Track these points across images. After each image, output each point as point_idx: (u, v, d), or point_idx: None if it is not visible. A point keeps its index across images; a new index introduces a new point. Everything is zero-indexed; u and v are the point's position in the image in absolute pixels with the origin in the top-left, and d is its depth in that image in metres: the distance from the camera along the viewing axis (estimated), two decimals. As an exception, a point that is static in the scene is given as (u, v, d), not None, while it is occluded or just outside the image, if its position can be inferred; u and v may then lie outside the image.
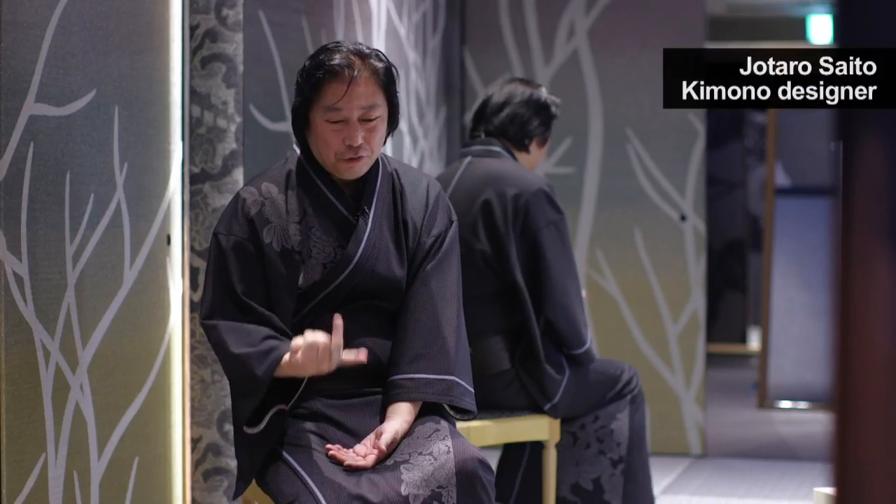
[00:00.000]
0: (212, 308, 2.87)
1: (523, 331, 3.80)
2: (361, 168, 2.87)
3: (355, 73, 2.82)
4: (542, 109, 3.95)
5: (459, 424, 3.48)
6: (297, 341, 2.71)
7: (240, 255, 2.85)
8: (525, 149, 3.95)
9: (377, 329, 2.92)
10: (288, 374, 2.77)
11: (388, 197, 2.94)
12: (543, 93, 3.98)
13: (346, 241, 2.89)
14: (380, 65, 2.86)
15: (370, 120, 2.84)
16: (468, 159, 3.92)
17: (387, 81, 2.87)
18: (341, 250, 2.88)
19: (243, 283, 2.84)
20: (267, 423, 2.81)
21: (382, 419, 2.85)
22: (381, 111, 2.87)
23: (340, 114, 2.83)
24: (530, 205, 3.78)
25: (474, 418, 3.00)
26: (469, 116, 4.09)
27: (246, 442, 2.83)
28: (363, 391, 2.90)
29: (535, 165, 4.03)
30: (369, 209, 2.90)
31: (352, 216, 2.90)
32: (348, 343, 2.89)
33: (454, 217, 3.01)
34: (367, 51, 2.87)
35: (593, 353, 3.91)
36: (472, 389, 2.92)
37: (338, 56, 2.84)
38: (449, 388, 2.86)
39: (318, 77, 2.83)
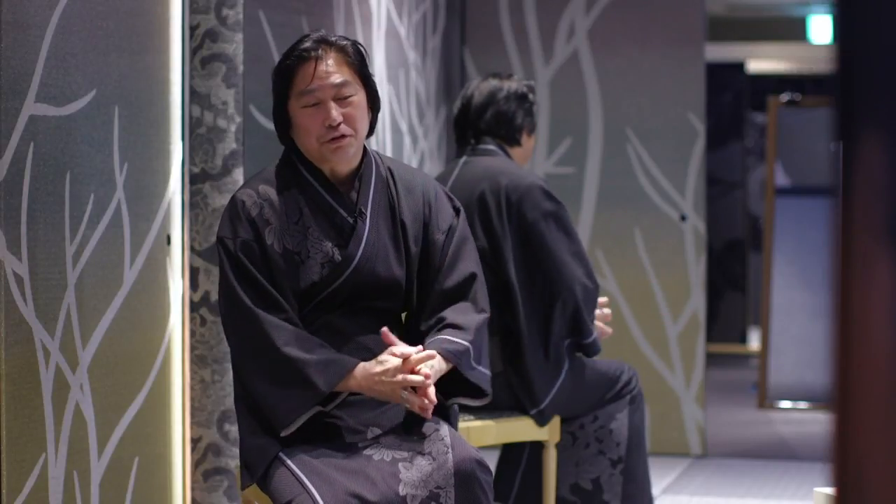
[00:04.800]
0: (240, 298, 2.81)
1: (515, 333, 3.80)
2: (348, 150, 2.86)
3: (320, 52, 2.85)
4: (522, 101, 3.95)
5: (460, 424, 3.48)
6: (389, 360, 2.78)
7: (250, 256, 2.83)
8: (517, 143, 3.96)
9: (376, 328, 2.92)
10: (346, 388, 2.79)
11: (384, 196, 2.94)
12: (517, 82, 3.97)
13: (343, 241, 2.89)
14: (345, 43, 2.89)
15: (344, 98, 2.85)
16: (464, 158, 3.94)
17: (356, 60, 2.89)
18: (338, 250, 2.88)
19: (266, 280, 2.83)
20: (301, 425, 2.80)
21: (383, 416, 2.85)
22: (355, 90, 2.87)
23: (314, 95, 2.84)
24: (524, 199, 3.78)
25: (488, 403, 3.01)
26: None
27: (254, 443, 2.81)
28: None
29: (529, 155, 4.04)
30: (366, 209, 2.90)
31: (349, 216, 2.90)
32: (348, 344, 2.89)
33: (458, 204, 3.02)
34: (334, 37, 2.90)
35: (599, 344, 3.92)
36: (484, 371, 2.92)
37: (305, 42, 2.88)
38: (461, 352, 2.86)
39: (287, 65, 2.87)
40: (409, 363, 2.76)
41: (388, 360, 2.78)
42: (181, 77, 3.78)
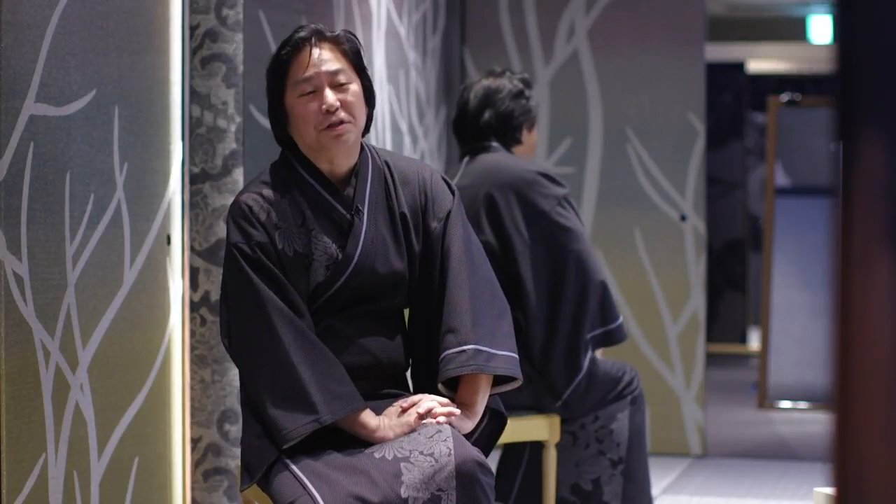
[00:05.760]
0: (264, 294, 2.78)
1: (524, 328, 3.80)
2: (348, 137, 2.84)
3: (313, 41, 2.85)
4: (518, 97, 3.96)
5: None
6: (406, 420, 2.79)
7: (269, 257, 2.80)
8: (518, 141, 3.97)
9: (377, 330, 2.91)
10: (351, 429, 2.79)
11: (381, 191, 2.92)
12: (510, 80, 3.97)
13: (343, 240, 2.87)
14: (339, 33, 2.89)
15: (341, 85, 2.84)
16: (466, 158, 3.95)
17: (351, 50, 2.88)
18: (341, 251, 2.87)
19: (289, 282, 2.81)
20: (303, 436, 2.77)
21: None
22: (352, 78, 2.86)
23: (311, 83, 2.83)
24: (533, 190, 3.80)
25: (522, 388, 2.98)
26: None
27: (256, 444, 2.80)
28: (365, 393, 2.88)
29: (532, 150, 4.05)
30: (363, 206, 2.89)
31: (347, 213, 2.89)
32: (349, 346, 2.88)
33: (454, 188, 3.00)
34: (327, 29, 2.90)
35: (625, 329, 3.94)
36: (505, 353, 2.87)
37: (298, 33, 2.87)
38: (470, 357, 2.83)
39: (282, 55, 2.86)
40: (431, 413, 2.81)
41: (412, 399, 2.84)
42: (181, 77, 3.78)
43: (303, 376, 2.74)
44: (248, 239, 2.80)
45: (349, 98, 2.84)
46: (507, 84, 3.95)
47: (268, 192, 2.85)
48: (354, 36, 2.93)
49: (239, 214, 2.83)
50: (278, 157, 2.93)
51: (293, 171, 2.89)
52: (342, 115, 2.83)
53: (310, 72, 2.83)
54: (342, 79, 2.85)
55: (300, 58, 2.84)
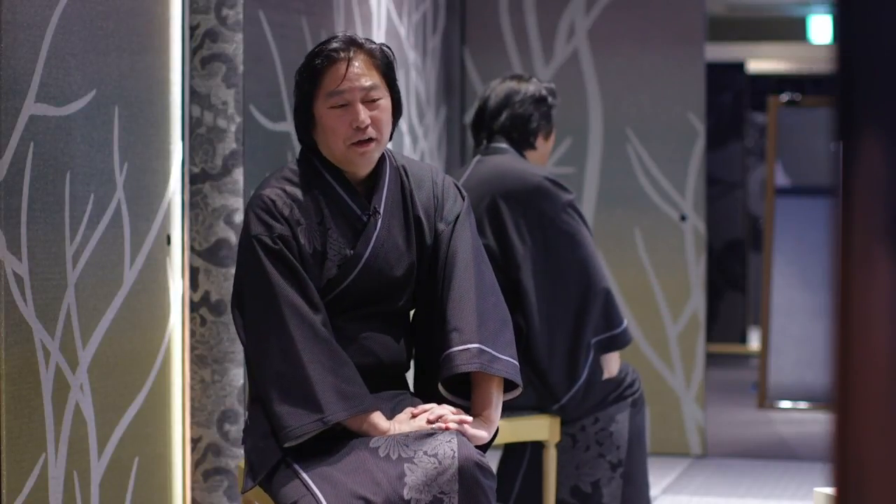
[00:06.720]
0: (282, 288, 2.77)
1: (524, 332, 3.80)
2: (373, 153, 2.86)
3: (351, 54, 2.84)
4: (540, 103, 3.94)
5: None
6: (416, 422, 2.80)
7: (291, 249, 2.80)
8: (532, 146, 3.96)
9: (383, 332, 2.91)
10: (359, 430, 2.78)
11: (397, 193, 2.94)
12: (536, 85, 3.96)
13: (357, 240, 2.88)
14: (374, 46, 2.89)
15: (373, 101, 2.84)
16: (477, 157, 3.94)
17: (384, 64, 2.88)
18: (353, 250, 2.88)
19: (308, 276, 2.81)
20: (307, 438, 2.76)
21: (392, 412, 2.85)
22: (383, 94, 2.87)
23: (343, 97, 2.83)
24: (539, 196, 3.79)
25: (521, 393, 2.96)
26: (469, 121, 4.08)
27: (261, 445, 2.80)
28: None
29: (545, 159, 4.03)
30: (380, 207, 2.90)
31: (364, 216, 2.90)
32: (353, 346, 2.88)
33: (464, 193, 3.00)
34: (361, 39, 2.90)
35: (630, 333, 3.92)
36: (507, 359, 2.85)
37: (334, 42, 2.87)
38: (474, 356, 2.81)
39: (316, 65, 2.85)
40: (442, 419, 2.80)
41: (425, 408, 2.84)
42: (181, 77, 3.78)
43: (311, 375, 2.74)
44: (271, 231, 2.81)
45: (379, 115, 2.85)
46: (530, 88, 3.94)
47: (291, 188, 2.86)
48: (388, 49, 2.93)
49: (261, 207, 2.83)
50: (299, 155, 2.94)
51: (315, 170, 2.90)
52: (371, 132, 2.84)
53: (344, 85, 2.83)
54: (375, 94, 2.85)
55: (335, 70, 2.84)
